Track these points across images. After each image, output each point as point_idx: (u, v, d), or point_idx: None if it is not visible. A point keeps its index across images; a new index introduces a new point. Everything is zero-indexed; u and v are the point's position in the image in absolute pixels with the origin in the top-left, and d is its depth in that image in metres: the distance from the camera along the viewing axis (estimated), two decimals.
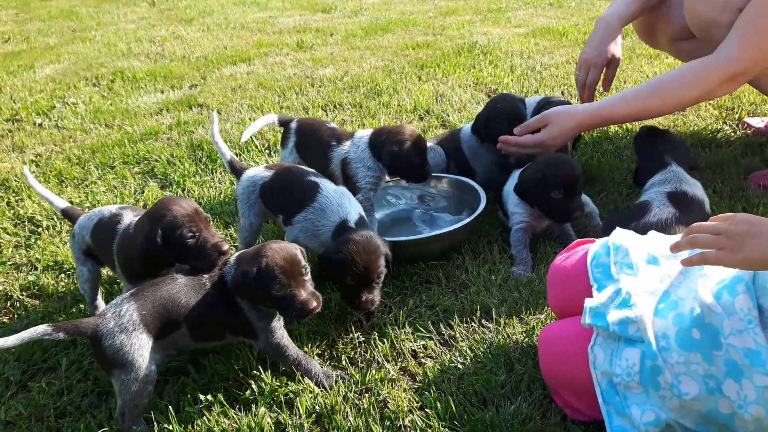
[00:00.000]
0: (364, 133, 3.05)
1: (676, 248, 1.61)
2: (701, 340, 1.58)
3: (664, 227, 2.38)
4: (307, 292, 2.04)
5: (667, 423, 1.64)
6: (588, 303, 1.76)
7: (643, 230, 2.03)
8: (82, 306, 2.70)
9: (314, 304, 2.03)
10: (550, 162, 2.70)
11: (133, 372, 1.94)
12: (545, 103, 3.25)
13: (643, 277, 1.79)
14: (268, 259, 2.00)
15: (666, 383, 1.61)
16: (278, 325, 2.15)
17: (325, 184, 2.54)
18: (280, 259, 2.01)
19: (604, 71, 3.24)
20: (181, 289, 2.06)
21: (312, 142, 3.14)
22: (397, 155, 2.82)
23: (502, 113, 3.05)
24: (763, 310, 1.54)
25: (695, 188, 2.59)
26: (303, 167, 2.71)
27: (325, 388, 2.12)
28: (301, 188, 2.54)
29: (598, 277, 1.85)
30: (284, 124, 3.27)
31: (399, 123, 4.13)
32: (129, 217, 2.36)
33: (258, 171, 2.67)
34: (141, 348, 1.94)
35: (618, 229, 1.97)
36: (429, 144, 3.37)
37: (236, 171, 2.79)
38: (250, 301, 2.07)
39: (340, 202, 2.46)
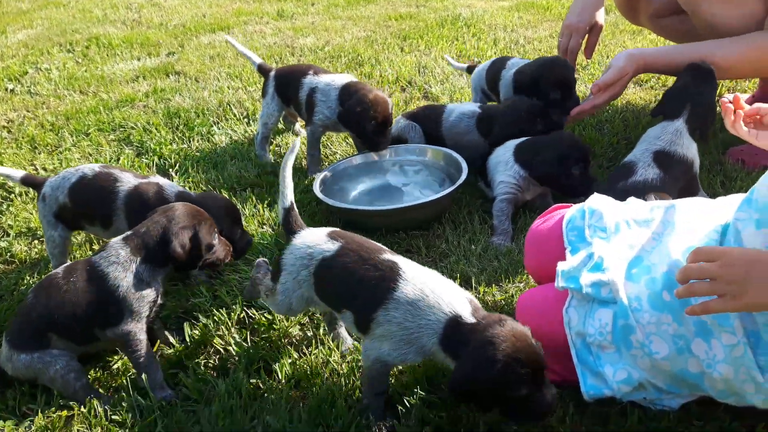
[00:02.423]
0: (342, 78, 3.19)
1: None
2: (672, 301, 1.61)
3: (650, 187, 2.47)
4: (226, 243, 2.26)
5: (639, 382, 1.68)
6: (560, 266, 1.78)
7: (629, 190, 2.06)
8: None
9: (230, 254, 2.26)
10: (560, 142, 2.71)
11: (45, 377, 2.02)
12: (498, 62, 3.45)
13: (616, 242, 1.82)
14: (195, 218, 2.12)
15: (637, 342, 1.65)
16: (145, 312, 2.06)
17: (408, 265, 1.82)
18: (203, 218, 2.15)
19: (586, 38, 3.23)
20: (38, 298, 2.03)
21: (290, 75, 3.35)
22: (353, 113, 2.98)
23: (552, 77, 2.99)
24: None
25: (687, 150, 2.62)
26: (374, 243, 1.92)
27: (151, 393, 2.01)
28: (373, 273, 1.78)
29: (572, 240, 1.88)
30: (264, 72, 3.47)
31: None
32: (128, 178, 2.45)
33: (319, 239, 1.93)
34: (31, 363, 2.00)
35: (595, 194, 1.99)
36: (406, 121, 3.32)
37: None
38: (180, 266, 2.12)
39: (436, 290, 1.72)
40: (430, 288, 1.72)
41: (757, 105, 1.86)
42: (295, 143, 2.06)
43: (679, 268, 1.59)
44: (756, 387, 1.52)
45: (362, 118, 2.97)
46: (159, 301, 2.11)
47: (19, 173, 2.55)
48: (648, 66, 2.94)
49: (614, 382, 1.67)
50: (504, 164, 2.82)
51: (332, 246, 1.89)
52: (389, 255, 1.84)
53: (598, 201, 1.93)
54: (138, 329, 2.03)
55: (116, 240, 2.08)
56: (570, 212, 1.94)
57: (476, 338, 1.61)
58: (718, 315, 1.52)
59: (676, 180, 2.55)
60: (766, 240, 1.49)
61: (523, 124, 2.95)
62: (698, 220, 1.74)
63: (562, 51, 3.25)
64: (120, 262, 2.01)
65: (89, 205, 2.45)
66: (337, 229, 1.99)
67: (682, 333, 1.59)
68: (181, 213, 2.11)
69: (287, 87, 3.33)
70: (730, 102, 1.86)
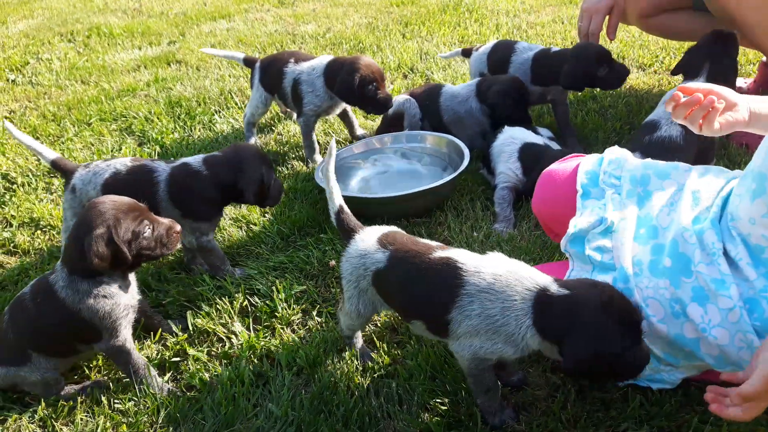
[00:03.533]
0: (321, 62, 3.17)
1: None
2: (672, 267, 1.63)
3: (674, 143, 2.59)
4: (167, 220, 2.06)
5: None
6: (571, 228, 1.79)
7: (654, 144, 2.19)
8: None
9: (178, 227, 2.08)
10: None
11: (25, 383, 2.03)
12: (503, 46, 3.43)
13: (627, 193, 1.82)
14: (114, 215, 1.89)
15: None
16: (124, 324, 1.98)
17: (464, 255, 1.70)
18: (125, 205, 1.94)
19: (607, 19, 3.17)
20: (12, 319, 2.00)
21: (272, 66, 3.33)
22: (351, 84, 2.96)
23: (592, 57, 2.99)
24: (727, 251, 1.59)
25: None
26: (420, 241, 1.82)
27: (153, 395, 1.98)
28: (432, 276, 1.68)
29: (584, 183, 1.88)
30: (250, 64, 3.50)
31: None
32: (162, 166, 2.41)
33: (370, 246, 1.83)
34: (7, 374, 2.01)
35: (615, 146, 1.99)
36: (403, 96, 3.33)
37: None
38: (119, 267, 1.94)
39: (508, 269, 1.62)
40: (502, 268, 1.61)
41: (708, 86, 1.76)
42: (331, 147, 1.99)
43: (683, 236, 1.62)
44: (752, 354, 1.52)
45: (362, 85, 2.97)
46: (134, 301, 2.04)
47: (51, 154, 2.49)
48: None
49: None
50: (507, 156, 2.82)
51: (382, 256, 1.79)
52: (440, 251, 1.73)
53: (617, 151, 1.94)
54: (120, 343, 1.97)
55: (58, 263, 1.98)
56: (589, 158, 1.96)
57: (584, 310, 1.48)
58: (715, 281, 1.54)
59: (696, 140, 2.61)
60: (760, 211, 1.50)
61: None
62: (708, 190, 1.75)
63: (583, 35, 3.18)
64: (68, 284, 1.92)
65: None
66: (388, 231, 1.88)
67: (678, 297, 1.60)
68: (89, 217, 1.90)
69: (270, 77, 3.33)
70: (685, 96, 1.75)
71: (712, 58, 2.73)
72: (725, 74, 2.71)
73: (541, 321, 1.53)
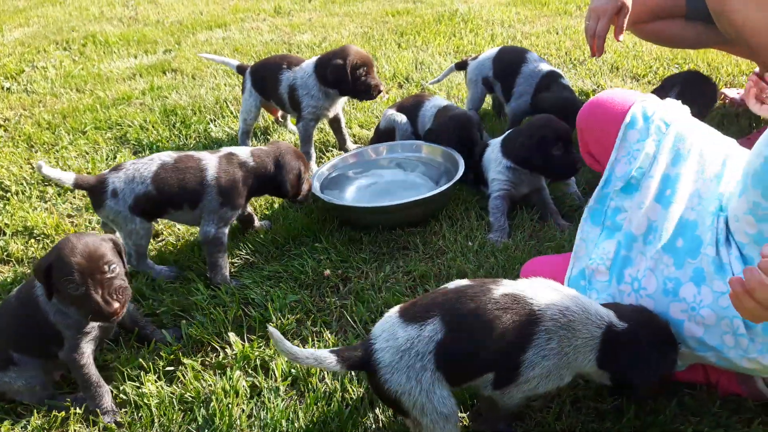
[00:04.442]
0: (310, 61, 3.21)
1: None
2: (682, 247, 1.66)
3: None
4: (107, 291, 1.85)
5: None
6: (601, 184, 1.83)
7: None
8: None
9: (115, 306, 1.85)
10: (539, 124, 2.71)
11: (12, 390, 2.03)
12: (512, 52, 3.44)
13: (667, 145, 1.80)
14: (61, 253, 1.82)
15: (630, 277, 1.71)
16: (86, 339, 1.97)
17: (527, 287, 1.62)
18: (76, 254, 1.82)
19: (614, 20, 3.17)
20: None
21: (265, 70, 3.35)
22: (342, 68, 3.02)
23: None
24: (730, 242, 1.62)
25: None
26: (452, 288, 1.64)
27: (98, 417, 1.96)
28: (503, 316, 1.55)
29: (635, 115, 1.86)
30: (242, 71, 3.51)
31: None
32: (207, 156, 2.51)
33: (405, 333, 1.56)
34: None
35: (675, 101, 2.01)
36: (399, 114, 3.32)
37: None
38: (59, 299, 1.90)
39: (581, 304, 1.60)
40: (571, 302, 1.59)
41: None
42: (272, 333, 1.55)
43: (704, 217, 1.65)
44: (735, 341, 1.57)
45: (353, 70, 3.03)
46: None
47: (70, 176, 2.40)
48: None
49: None
50: (495, 162, 2.83)
51: (432, 326, 1.54)
52: (495, 287, 1.60)
53: (677, 104, 1.94)
54: (77, 356, 1.96)
55: None
56: (652, 96, 1.94)
57: (643, 340, 1.59)
58: (715, 264, 1.59)
59: None
60: (742, 208, 1.54)
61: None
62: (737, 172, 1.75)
63: (590, 35, 3.16)
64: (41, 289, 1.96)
65: (179, 188, 2.44)
66: (398, 308, 1.64)
67: (676, 276, 1.64)
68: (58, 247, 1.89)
69: (264, 82, 3.35)
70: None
71: (682, 86, 2.81)
72: (692, 100, 2.72)
73: (606, 354, 1.60)
